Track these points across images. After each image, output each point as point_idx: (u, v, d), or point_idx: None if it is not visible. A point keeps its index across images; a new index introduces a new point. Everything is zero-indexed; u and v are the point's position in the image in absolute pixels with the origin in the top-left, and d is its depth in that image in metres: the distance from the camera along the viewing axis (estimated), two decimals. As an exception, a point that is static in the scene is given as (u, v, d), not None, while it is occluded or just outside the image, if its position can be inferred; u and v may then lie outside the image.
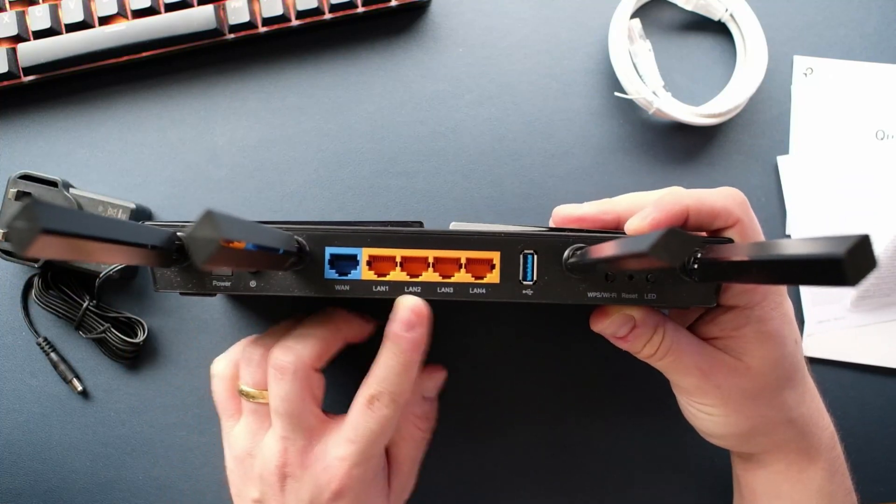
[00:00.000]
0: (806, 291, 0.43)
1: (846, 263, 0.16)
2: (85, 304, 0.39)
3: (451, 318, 0.42)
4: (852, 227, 0.43)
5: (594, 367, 0.42)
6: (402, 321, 0.28)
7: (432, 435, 0.37)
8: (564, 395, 0.42)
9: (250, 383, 0.32)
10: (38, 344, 0.40)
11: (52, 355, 0.40)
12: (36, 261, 0.38)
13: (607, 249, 0.23)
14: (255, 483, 0.32)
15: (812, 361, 0.43)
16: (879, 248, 0.42)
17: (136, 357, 0.41)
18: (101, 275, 0.38)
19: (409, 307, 0.28)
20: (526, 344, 0.42)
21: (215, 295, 0.28)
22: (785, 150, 0.44)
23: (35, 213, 0.15)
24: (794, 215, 0.43)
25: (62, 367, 0.40)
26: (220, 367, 0.34)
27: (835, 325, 0.43)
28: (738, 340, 0.30)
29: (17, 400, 0.41)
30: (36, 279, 0.40)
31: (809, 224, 0.43)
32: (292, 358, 0.31)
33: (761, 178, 0.44)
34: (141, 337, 0.40)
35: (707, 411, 0.32)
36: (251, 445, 0.32)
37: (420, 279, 0.28)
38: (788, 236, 0.43)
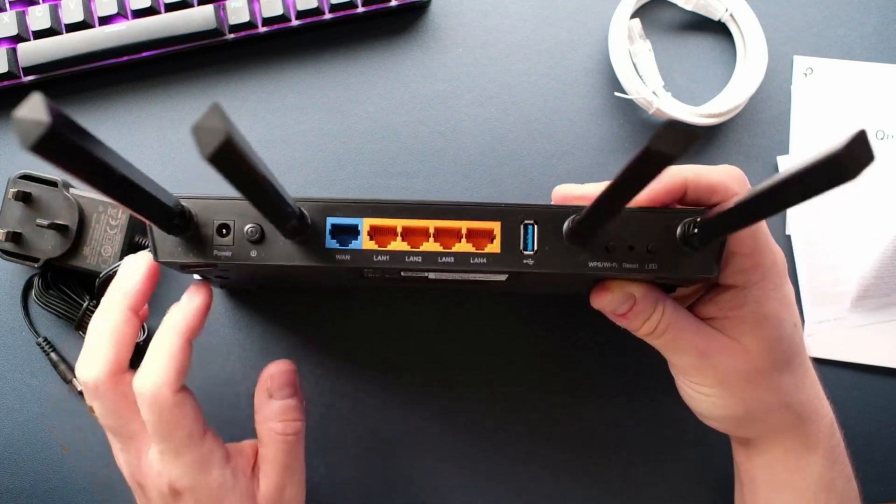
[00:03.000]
0: (806, 291, 0.43)
1: (844, 157, 0.17)
2: (85, 304, 0.39)
3: (450, 301, 0.42)
4: (852, 228, 0.43)
5: (592, 352, 0.42)
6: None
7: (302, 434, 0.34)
8: (562, 381, 0.42)
9: None
10: (38, 344, 0.40)
11: (52, 355, 0.40)
12: (36, 260, 0.38)
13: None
14: None
15: (812, 361, 0.43)
16: (879, 249, 0.42)
17: (136, 357, 0.41)
18: (101, 275, 0.38)
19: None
20: (523, 331, 0.42)
21: (216, 266, 0.28)
22: (785, 150, 0.44)
23: (44, 109, 0.15)
24: (794, 215, 0.43)
25: (62, 367, 0.40)
26: None
27: (835, 325, 0.43)
28: (736, 321, 0.30)
29: (17, 400, 0.41)
30: (36, 279, 0.40)
31: (810, 224, 0.43)
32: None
33: (761, 178, 0.43)
34: (141, 337, 0.40)
35: (703, 392, 0.32)
36: None
37: (421, 249, 0.28)
38: (788, 237, 0.43)
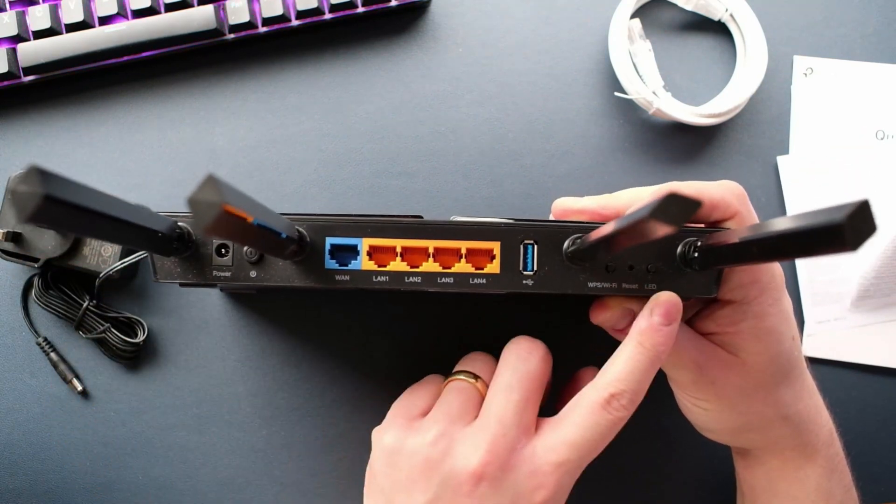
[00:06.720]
0: (806, 291, 0.43)
1: (847, 228, 0.16)
2: (85, 304, 0.39)
3: (448, 314, 0.42)
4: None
5: (592, 362, 0.42)
6: (663, 313, 0.27)
7: None
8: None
9: (474, 370, 0.32)
10: (38, 344, 0.40)
11: (52, 355, 0.40)
12: (36, 260, 0.38)
13: (607, 228, 0.23)
14: (429, 485, 0.27)
15: (812, 361, 0.43)
16: (879, 249, 0.42)
17: (136, 357, 0.41)
18: (101, 275, 0.38)
19: (669, 299, 0.27)
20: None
21: (216, 286, 0.28)
22: (785, 150, 0.44)
23: (38, 179, 0.15)
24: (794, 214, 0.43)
25: (62, 367, 0.40)
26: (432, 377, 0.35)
27: (835, 325, 0.43)
28: (735, 336, 0.30)
29: (17, 400, 0.41)
30: (36, 279, 0.40)
31: (809, 224, 0.43)
32: (540, 344, 0.31)
33: (761, 178, 0.44)
34: (141, 337, 0.40)
35: (702, 406, 0.32)
36: (442, 437, 0.28)
37: (420, 269, 0.28)
38: (788, 236, 0.43)
